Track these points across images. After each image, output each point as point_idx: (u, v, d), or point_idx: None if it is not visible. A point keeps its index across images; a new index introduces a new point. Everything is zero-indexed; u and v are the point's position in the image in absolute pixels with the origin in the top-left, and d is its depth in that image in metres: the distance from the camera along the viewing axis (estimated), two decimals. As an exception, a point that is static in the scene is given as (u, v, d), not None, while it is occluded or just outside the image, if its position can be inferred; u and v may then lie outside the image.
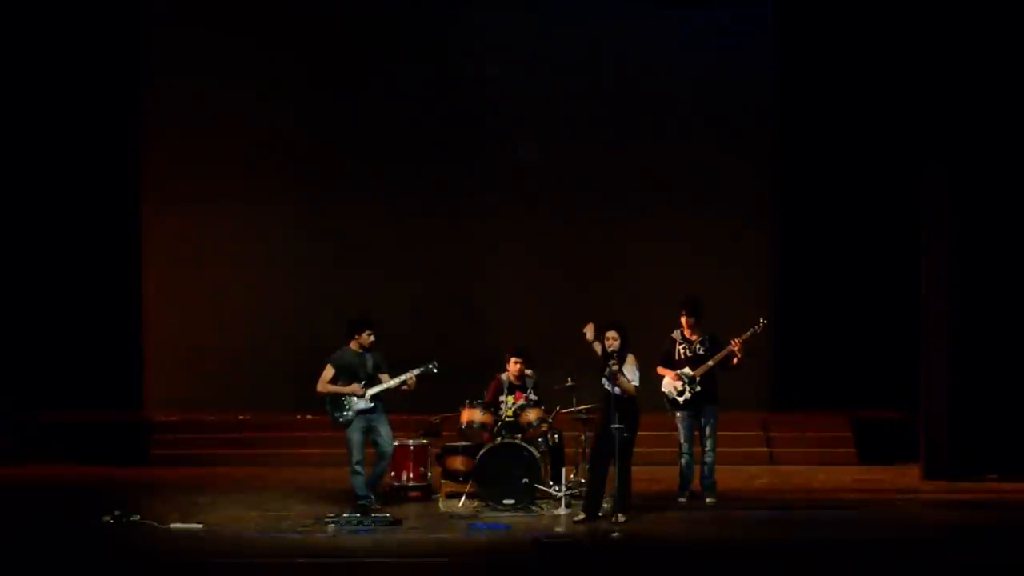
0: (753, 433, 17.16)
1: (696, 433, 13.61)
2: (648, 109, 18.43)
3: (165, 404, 18.06)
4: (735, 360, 13.46)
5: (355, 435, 12.91)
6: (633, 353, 12.64)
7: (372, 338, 13.05)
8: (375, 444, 13.03)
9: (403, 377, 12.95)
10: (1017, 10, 15.08)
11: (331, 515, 12.59)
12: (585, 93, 18.44)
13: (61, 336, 17.91)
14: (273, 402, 17.78)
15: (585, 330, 12.52)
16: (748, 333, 13.43)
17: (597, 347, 12.49)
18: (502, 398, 13.56)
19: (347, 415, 12.89)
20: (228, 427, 17.39)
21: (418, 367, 13.03)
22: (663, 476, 14.29)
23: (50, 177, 17.97)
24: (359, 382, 12.91)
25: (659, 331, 13.92)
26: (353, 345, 13.07)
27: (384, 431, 13.00)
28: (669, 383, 13.52)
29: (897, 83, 17.26)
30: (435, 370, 13.03)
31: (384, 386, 12.93)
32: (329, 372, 12.98)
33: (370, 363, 13.01)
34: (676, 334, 13.67)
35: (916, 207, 15.64)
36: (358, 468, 12.89)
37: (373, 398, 12.90)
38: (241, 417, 17.58)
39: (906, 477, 15.41)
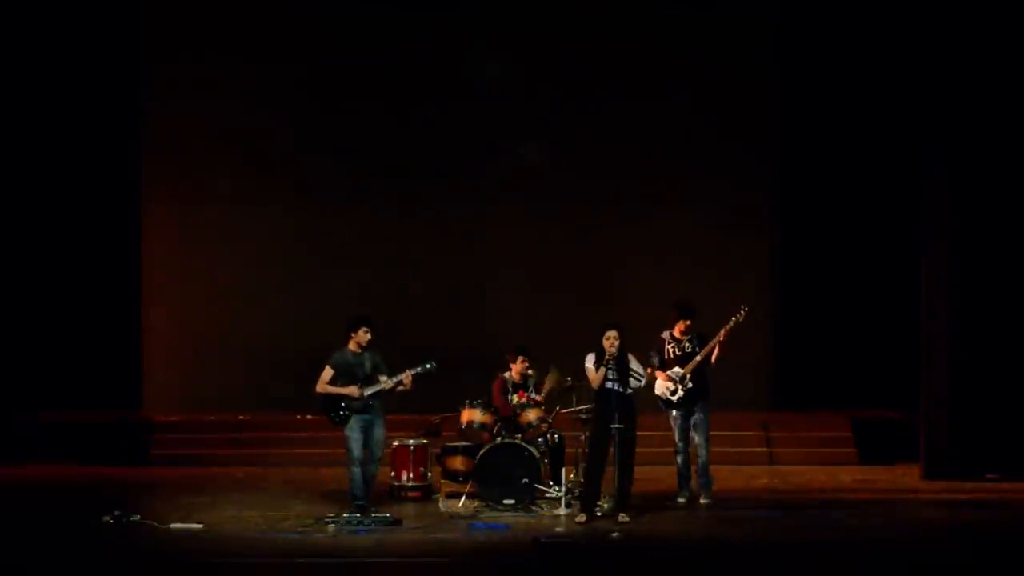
0: (753, 433, 17.15)
1: (692, 434, 13.65)
2: (648, 109, 18.43)
3: (165, 404, 18.06)
4: (718, 350, 13.46)
5: (353, 434, 12.89)
6: (631, 352, 12.66)
7: (369, 336, 12.99)
8: (366, 446, 12.99)
9: (399, 377, 12.90)
10: (1017, 7, 15.07)
11: (331, 515, 12.58)
12: (585, 94, 18.44)
13: (61, 336, 17.90)
14: (273, 402, 17.79)
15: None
16: (731, 322, 13.46)
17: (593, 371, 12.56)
18: (509, 396, 13.55)
19: (343, 415, 12.87)
20: (228, 427, 17.38)
21: (415, 367, 12.99)
22: (662, 476, 14.29)
23: (50, 178, 17.95)
24: (357, 382, 12.88)
25: (659, 330, 13.92)
26: (351, 345, 13.02)
27: (378, 434, 12.94)
28: (661, 384, 13.56)
29: (897, 83, 17.27)
30: (431, 368, 12.97)
31: (380, 386, 12.89)
32: (328, 373, 12.95)
33: (368, 364, 12.97)
34: (666, 335, 13.72)
35: (916, 207, 15.65)
36: (356, 468, 12.87)
37: (370, 398, 12.87)
38: (241, 417, 17.58)
39: (906, 477, 15.41)
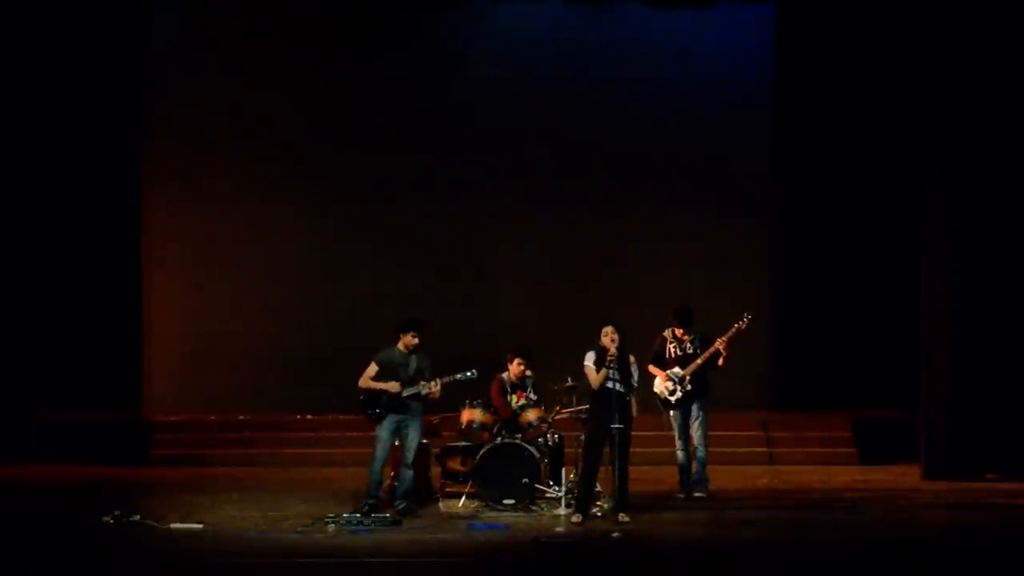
0: (753, 433, 17.16)
1: (689, 432, 13.69)
2: (648, 109, 18.43)
3: (165, 404, 18.06)
4: (721, 360, 13.52)
5: (383, 433, 12.92)
6: (633, 351, 12.65)
7: (416, 340, 12.97)
8: (401, 448, 13.02)
9: (428, 385, 12.86)
10: (1016, 5, 15.07)
11: (331, 515, 12.57)
12: (585, 93, 18.44)
13: (61, 336, 17.89)
14: (273, 402, 17.80)
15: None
16: (733, 330, 13.54)
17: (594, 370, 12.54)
18: (508, 397, 13.54)
19: (379, 412, 12.88)
20: (228, 427, 17.38)
21: (449, 374, 12.95)
22: (662, 476, 14.31)
23: (50, 177, 17.95)
24: (399, 382, 12.89)
25: (659, 331, 13.93)
26: (400, 345, 13.03)
27: (411, 436, 12.94)
28: (660, 383, 13.63)
29: (896, 82, 17.27)
30: (467, 377, 12.94)
31: (415, 389, 12.88)
32: (372, 369, 12.95)
33: (413, 366, 12.95)
34: (667, 333, 13.77)
35: (916, 206, 15.65)
36: (377, 466, 12.87)
37: (408, 399, 12.87)
38: (241, 417, 17.58)
39: (906, 477, 15.41)
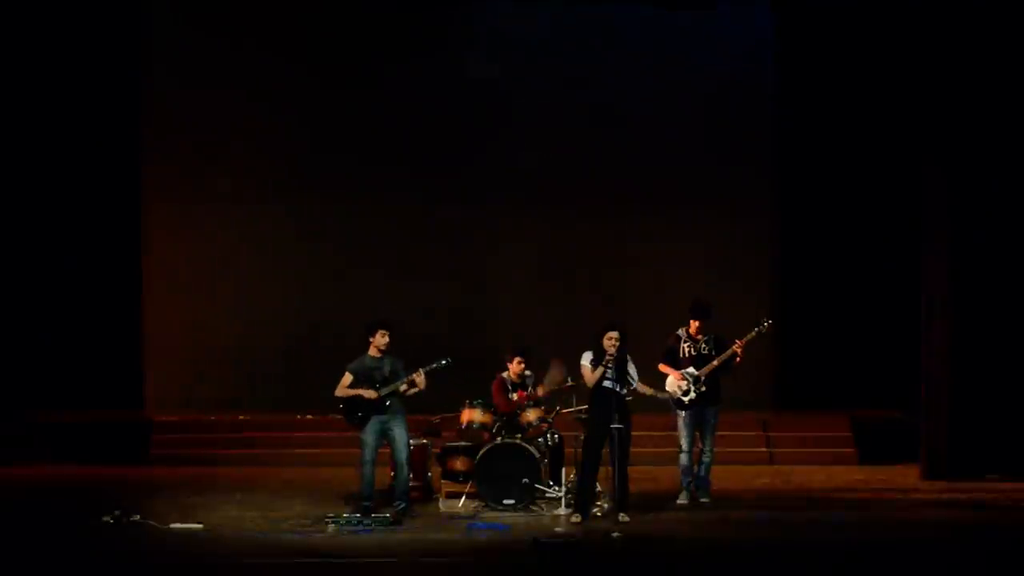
0: (753, 433, 17.17)
1: (696, 433, 13.61)
2: (648, 110, 18.45)
3: (165, 404, 18.06)
4: (737, 361, 13.45)
5: (368, 437, 12.88)
6: (631, 354, 12.65)
7: (387, 339, 12.95)
8: (391, 449, 13.02)
9: (411, 376, 12.86)
10: (1015, 6, 15.07)
11: (331, 515, 12.57)
12: (585, 95, 18.46)
13: (61, 336, 17.91)
14: (273, 402, 17.80)
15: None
16: (753, 333, 13.41)
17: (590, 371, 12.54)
18: (509, 395, 13.54)
19: (360, 416, 12.87)
20: (228, 427, 17.38)
21: (428, 365, 12.94)
22: (662, 476, 14.30)
23: (51, 178, 17.97)
24: (375, 387, 12.89)
25: (659, 331, 13.91)
26: (371, 350, 12.99)
27: (398, 436, 12.90)
28: (673, 382, 13.48)
29: (896, 82, 17.28)
30: (446, 365, 12.92)
31: (393, 386, 12.88)
32: (347, 379, 12.93)
33: (387, 368, 12.92)
34: (681, 332, 13.63)
35: (916, 206, 15.65)
36: (367, 470, 12.86)
37: (386, 398, 12.85)
38: (241, 417, 17.58)
39: (906, 477, 15.41)
